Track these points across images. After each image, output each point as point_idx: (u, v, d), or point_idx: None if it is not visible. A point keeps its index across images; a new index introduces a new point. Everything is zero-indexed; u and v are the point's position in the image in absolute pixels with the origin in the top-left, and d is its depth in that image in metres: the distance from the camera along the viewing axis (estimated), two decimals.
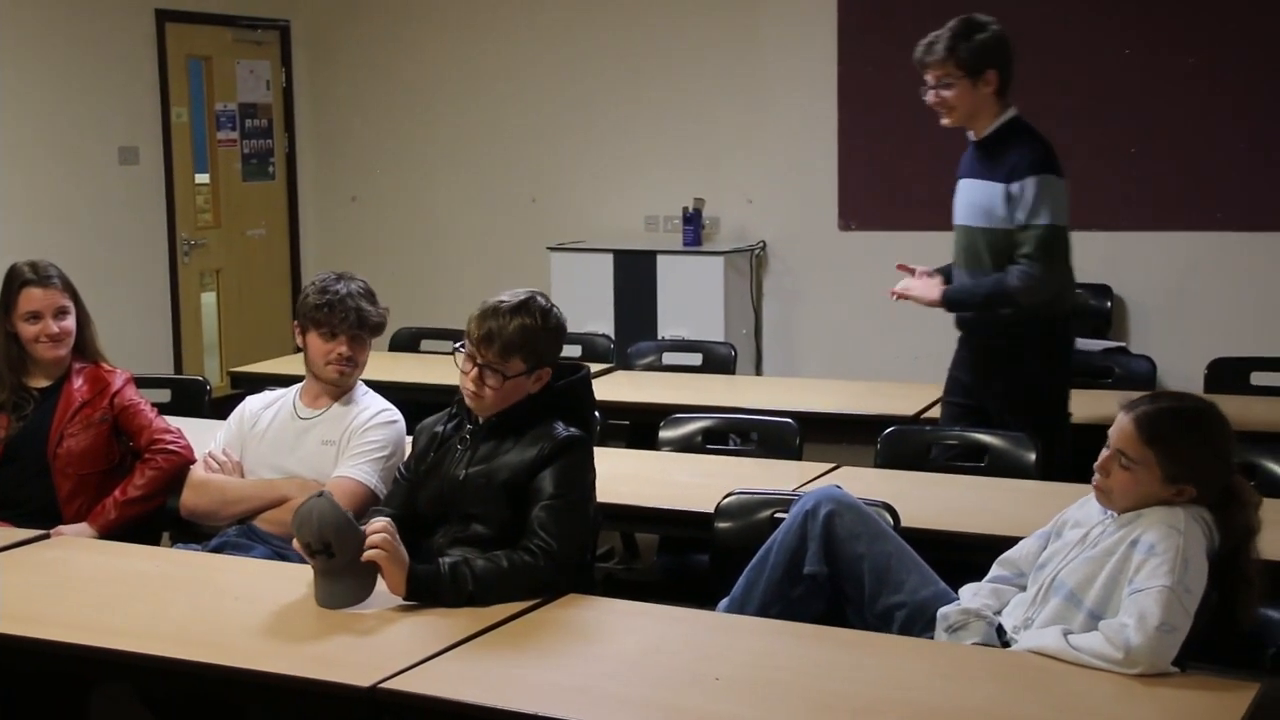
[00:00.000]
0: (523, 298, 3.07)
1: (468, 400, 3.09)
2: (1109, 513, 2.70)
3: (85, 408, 3.80)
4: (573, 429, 3.05)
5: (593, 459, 3.08)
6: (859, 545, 2.92)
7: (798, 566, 2.95)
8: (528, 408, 3.08)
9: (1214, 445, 2.66)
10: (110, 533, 3.64)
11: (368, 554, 2.79)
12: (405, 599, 2.81)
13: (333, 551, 2.80)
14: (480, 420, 3.10)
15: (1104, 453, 2.69)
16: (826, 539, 2.93)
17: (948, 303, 4.19)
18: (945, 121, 4.19)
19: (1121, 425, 2.67)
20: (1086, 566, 2.62)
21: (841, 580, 2.93)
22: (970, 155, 4.23)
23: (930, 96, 4.14)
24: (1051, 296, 4.09)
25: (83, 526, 3.65)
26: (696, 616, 2.87)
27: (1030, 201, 4.03)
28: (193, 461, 3.75)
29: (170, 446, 3.79)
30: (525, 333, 3.01)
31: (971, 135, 4.21)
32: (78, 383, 3.83)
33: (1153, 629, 2.43)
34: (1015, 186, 4.04)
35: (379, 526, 2.83)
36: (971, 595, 2.84)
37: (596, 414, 3.42)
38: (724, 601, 3.03)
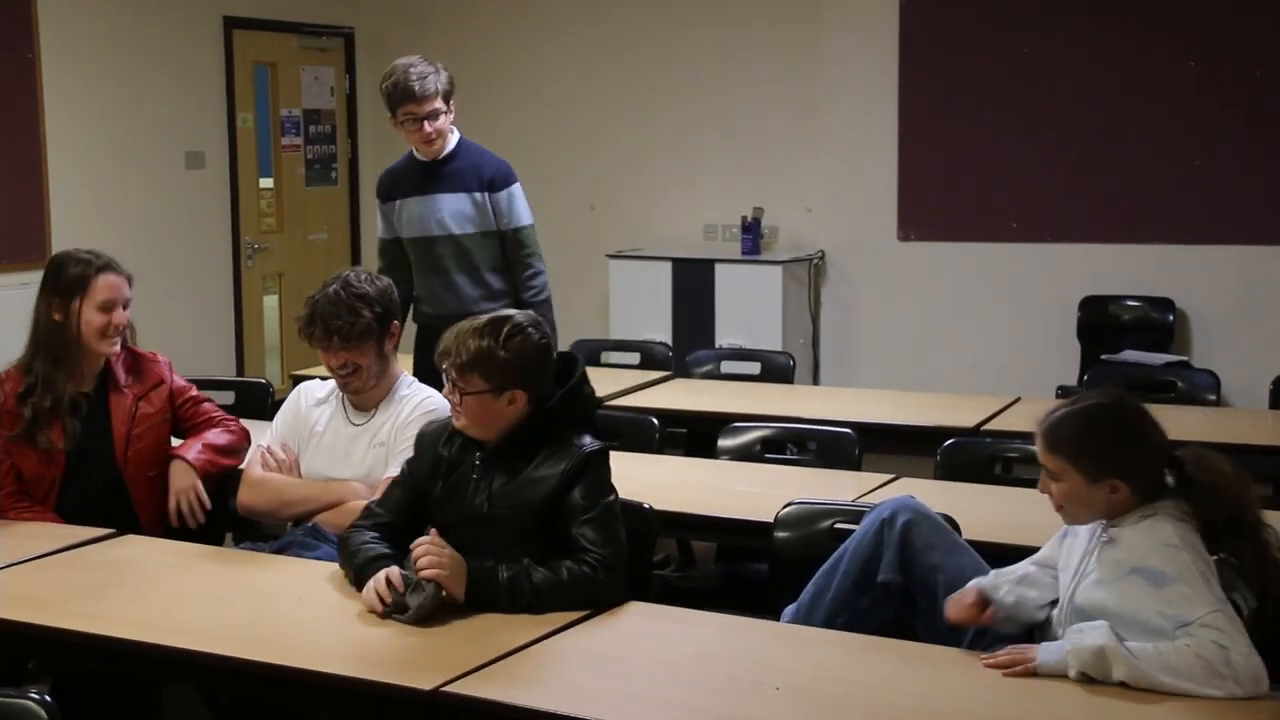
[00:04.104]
0: (491, 319, 3.04)
1: (454, 420, 3.05)
2: (1100, 523, 2.67)
3: (143, 404, 3.71)
4: (587, 439, 3.00)
5: (609, 463, 3.04)
6: (935, 556, 2.90)
7: (870, 575, 2.92)
8: (529, 430, 3.01)
9: (1118, 436, 2.63)
10: (173, 528, 3.64)
11: (425, 573, 2.78)
12: (465, 603, 2.82)
13: (407, 605, 2.80)
14: (487, 449, 3.04)
15: (1041, 476, 2.70)
16: (903, 548, 2.91)
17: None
18: (429, 151, 4.72)
19: (1036, 442, 2.69)
20: (1096, 592, 2.60)
21: (914, 590, 2.90)
22: (420, 175, 4.76)
23: (425, 128, 4.65)
24: None
25: (182, 470, 3.62)
26: (756, 625, 2.87)
27: (516, 208, 4.78)
28: (247, 445, 3.77)
29: (233, 426, 3.81)
30: (480, 353, 2.97)
31: (422, 155, 4.75)
32: (122, 375, 3.70)
33: (1245, 651, 2.39)
34: (500, 195, 4.75)
35: (427, 546, 2.80)
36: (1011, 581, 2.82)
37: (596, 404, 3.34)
38: (789, 609, 3.01)
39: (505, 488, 2.99)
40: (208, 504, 3.64)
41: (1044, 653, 2.52)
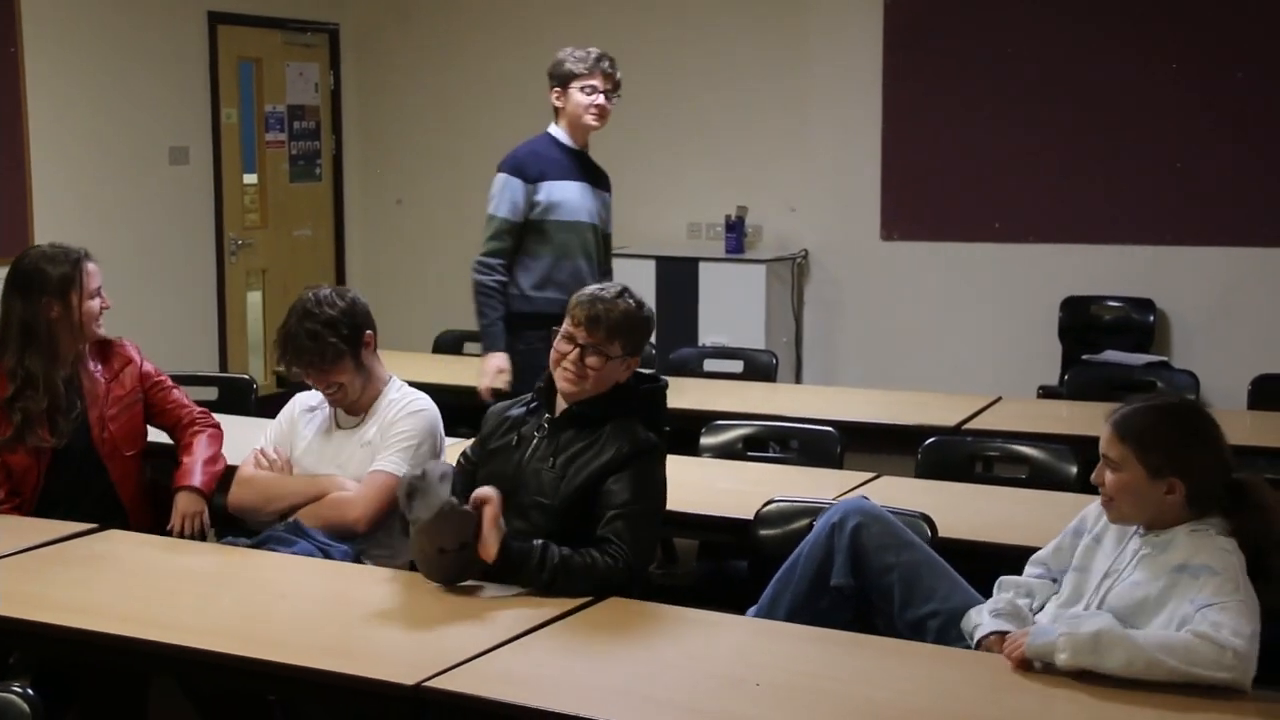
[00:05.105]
0: (620, 288, 3.25)
1: (566, 383, 3.14)
2: (1133, 529, 2.69)
3: (114, 385, 3.79)
4: (650, 433, 3.11)
5: (664, 468, 3.14)
6: (888, 556, 2.92)
7: (824, 578, 2.95)
8: (609, 402, 3.14)
9: (1189, 436, 2.66)
10: (158, 520, 3.71)
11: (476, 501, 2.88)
12: (492, 564, 2.87)
13: (465, 543, 2.89)
14: (559, 412, 3.16)
15: (1098, 466, 2.73)
16: (854, 551, 2.93)
17: None
18: (587, 131, 4.88)
19: (1103, 432, 2.72)
20: (1133, 592, 2.60)
21: (870, 592, 2.93)
22: (571, 162, 4.87)
23: (602, 101, 4.81)
24: None
25: (191, 498, 3.67)
26: (737, 622, 2.89)
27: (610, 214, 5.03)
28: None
29: (211, 421, 3.88)
30: (628, 317, 3.15)
31: (574, 144, 4.89)
32: (92, 363, 3.78)
33: (1246, 635, 2.42)
34: (611, 199, 4.99)
35: (488, 496, 2.90)
36: (1010, 589, 2.83)
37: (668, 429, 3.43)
38: (750, 610, 3.03)
39: (563, 456, 3.10)
40: (208, 531, 3.70)
41: (1035, 635, 2.54)
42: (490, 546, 2.87)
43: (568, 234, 4.81)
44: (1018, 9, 7.00)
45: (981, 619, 2.76)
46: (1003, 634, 2.68)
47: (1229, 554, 2.54)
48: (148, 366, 3.88)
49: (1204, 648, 2.40)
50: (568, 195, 4.82)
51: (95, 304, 3.73)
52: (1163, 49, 6.75)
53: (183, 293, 7.74)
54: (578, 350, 3.12)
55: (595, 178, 4.94)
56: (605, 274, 4.88)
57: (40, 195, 6.91)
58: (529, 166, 4.80)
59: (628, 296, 3.19)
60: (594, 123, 4.84)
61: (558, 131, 4.89)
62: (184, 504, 3.67)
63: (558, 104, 4.87)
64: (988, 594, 2.89)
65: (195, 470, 3.74)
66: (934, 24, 7.16)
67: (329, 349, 3.48)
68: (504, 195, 4.79)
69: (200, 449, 3.80)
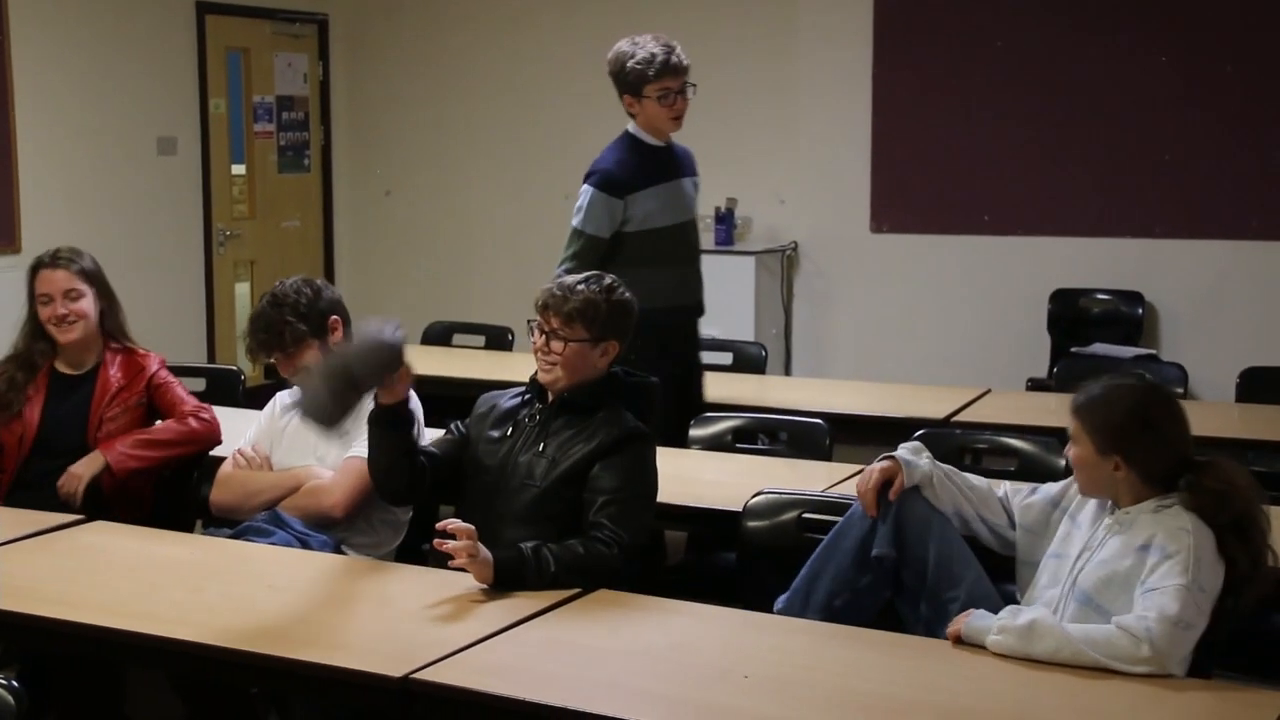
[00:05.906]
0: (589, 274, 3.25)
1: (540, 372, 3.20)
2: (1106, 507, 2.75)
3: (122, 391, 3.86)
4: (639, 423, 3.15)
5: (655, 457, 3.17)
6: (931, 530, 2.91)
7: (868, 552, 2.93)
8: (597, 390, 3.17)
9: (1136, 418, 2.71)
10: (143, 511, 3.75)
11: (455, 560, 2.83)
12: (493, 586, 2.86)
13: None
14: (550, 399, 3.19)
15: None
16: (899, 522, 2.92)
17: None
18: (672, 129, 4.66)
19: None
20: (1099, 570, 2.67)
21: (903, 568, 2.91)
22: (658, 162, 4.63)
23: (680, 101, 4.58)
24: None
25: (90, 461, 3.72)
26: (726, 614, 2.88)
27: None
28: (219, 439, 3.87)
29: (203, 415, 3.89)
30: (588, 303, 3.15)
31: (656, 140, 4.65)
32: (113, 369, 3.88)
33: (1170, 622, 2.47)
34: (699, 179, 4.78)
35: (459, 528, 2.84)
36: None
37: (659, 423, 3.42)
38: (783, 597, 3.00)
39: (554, 443, 3.14)
40: (77, 501, 3.69)
41: (974, 618, 2.61)
42: (484, 572, 2.85)
43: (666, 239, 4.59)
44: (1008, 2, 6.99)
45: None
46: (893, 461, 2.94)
47: (1187, 534, 2.58)
48: (161, 375, 3.95)
49: (1123, 641, 2.48)
50: (661, 198, 4.59)
51: (43, 311, 3.83)
52: (1152, 42, 6.75)
53: (170, 284, 7.71)
54: (544, 338, 3.18)
55: (685, 166, 4.72)
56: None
57: (27, 186, 6.88)
58: (618, 180, 4.52)
59: (592, 283, 3.20)
60: (672, 125, 4.62)
61: (639, 132, 4.64)
62: (81, 463, 3.72)
63: (631, 111, 4.61)
64: (997, 589, 2.91)
65: (120, 442, 3.77)
66: (924, 15, 7.16)
67: (288, 330, 3.56)
68: (591, 211, 4.51)
69: (157, 429, 3.85)
